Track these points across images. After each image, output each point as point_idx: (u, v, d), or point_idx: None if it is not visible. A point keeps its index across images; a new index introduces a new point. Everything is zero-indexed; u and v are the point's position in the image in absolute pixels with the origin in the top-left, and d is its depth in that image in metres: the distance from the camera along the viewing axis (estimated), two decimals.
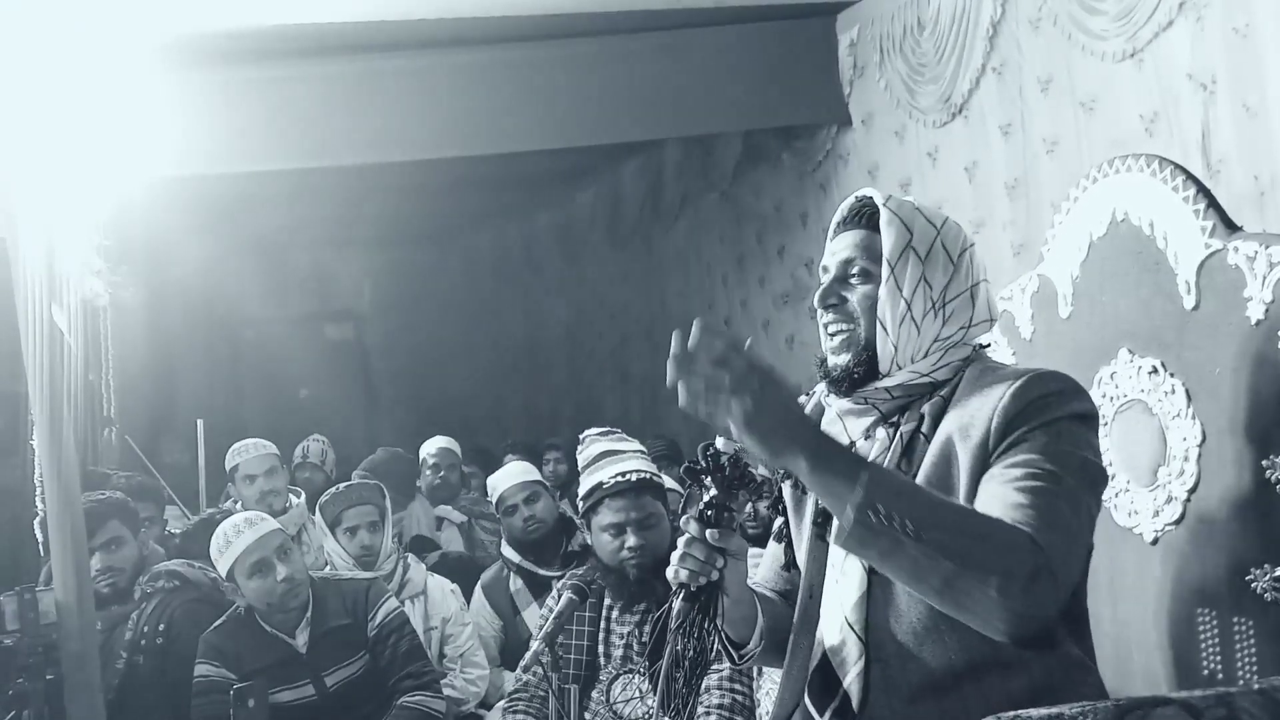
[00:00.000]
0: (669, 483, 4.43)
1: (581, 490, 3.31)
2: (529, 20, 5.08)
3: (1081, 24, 4.00)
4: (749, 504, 1.99)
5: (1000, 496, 1.77)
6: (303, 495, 5.06)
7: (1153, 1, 3.68)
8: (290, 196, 7.85)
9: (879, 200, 2.00)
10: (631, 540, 3.18)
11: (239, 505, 4.81)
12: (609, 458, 3.28)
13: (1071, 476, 1.78)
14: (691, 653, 1.93)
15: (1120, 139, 3.87)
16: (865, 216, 2.01)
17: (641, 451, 3.37)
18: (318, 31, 4.85)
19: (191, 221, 7.24)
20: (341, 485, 4.36)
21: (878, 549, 1.70)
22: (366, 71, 5.19)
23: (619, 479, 3.22)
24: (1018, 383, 1.85)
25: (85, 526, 3.51)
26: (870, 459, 1.94)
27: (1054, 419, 1.82)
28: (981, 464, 1.84)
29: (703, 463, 1.92)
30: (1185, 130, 3.63)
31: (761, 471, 1.97)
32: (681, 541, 1.92)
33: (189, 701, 3.56)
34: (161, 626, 3.77)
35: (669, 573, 1.91)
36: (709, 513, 1.91)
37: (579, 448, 3.40)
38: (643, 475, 3.24)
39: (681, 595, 1.92)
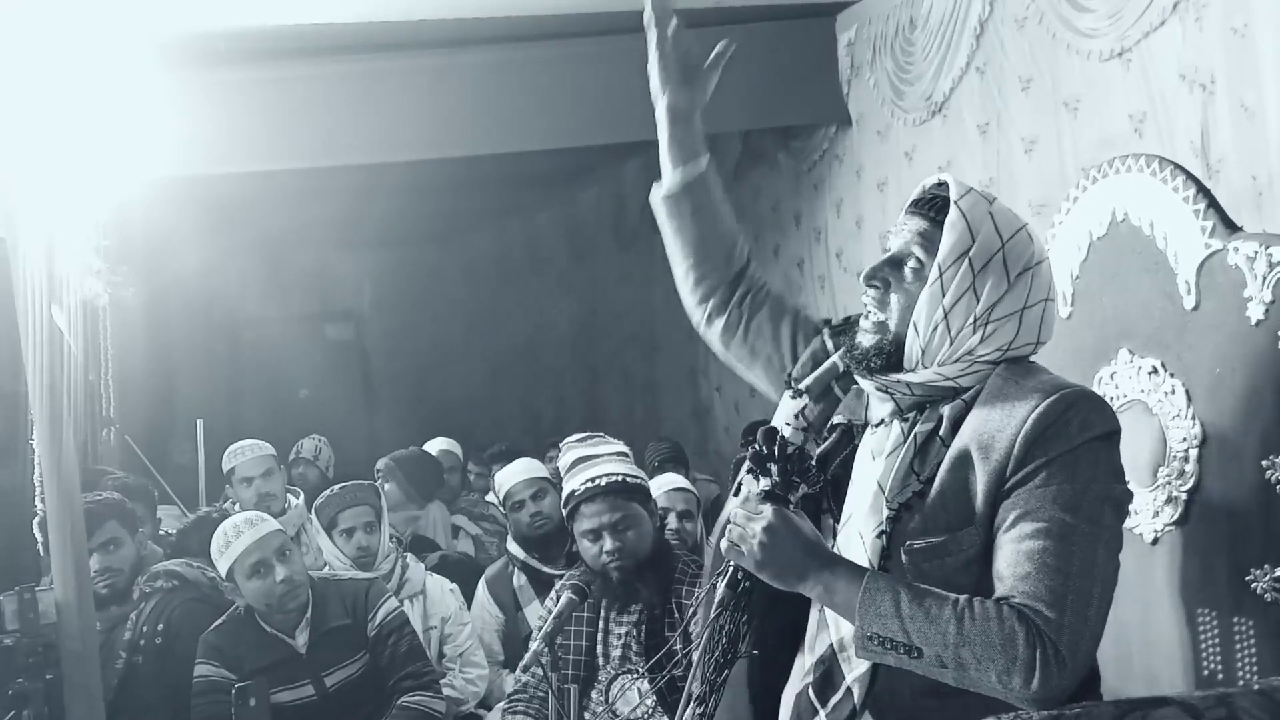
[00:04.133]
0: (678, 481, 4.42)
1: (562, 497, 3.34)
2: (529, 20, 5.08)
3: (1069, 22, 3.99)
4: (800, 497, 1.99)
5: (1011, 563, 1.79)
6: (301, 495, 5.05)
7: (1145, 0, 3.67)
8: (291, 197, 7.85)
9: (953, 195, 1.93)
10: (608, 544, 3.20)
11: (237, 506, 4.81)
12: (583, 463, 3.31)
13: (1086, 522, 1.78)
14: (725, 640, 1.93)
15: (1107, 139, 3.87)
16: (940, 205, 1.95)
17: (621, 453, 3.38)
18: (319, 32, 4.85)
19: (192, 222, 7.24)
20: (336, 487, 4.35)
21: (889, 662, 1.83)
22: (367, 72, 5.19)
23: (590, 484, 3.24)
24: (1041, 407, 1.82)
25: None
26: (886, 453, 1.95)
27: (1073, 447, 1.80)
28: (998, 488, 1.83)
29: (768, 450, 1.92)
30: (1176, 130, 3.63)
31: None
32: (734, 528, 1.90)
33: (189, 701, 3.56)
34: (161, 626, 3.77)
35: (722, 547, 1.91)
36: (767, 503, 1.90)
37: (558, 455, 3.41)
38: (614, 478, 3.25)
39: (726, 580, 1.93)
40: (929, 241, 1.93)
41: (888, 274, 1.96)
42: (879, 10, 5.18)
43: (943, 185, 1.96)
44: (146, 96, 4.75)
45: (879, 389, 1.97)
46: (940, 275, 1.90)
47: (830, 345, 2.15)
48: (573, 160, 7.56)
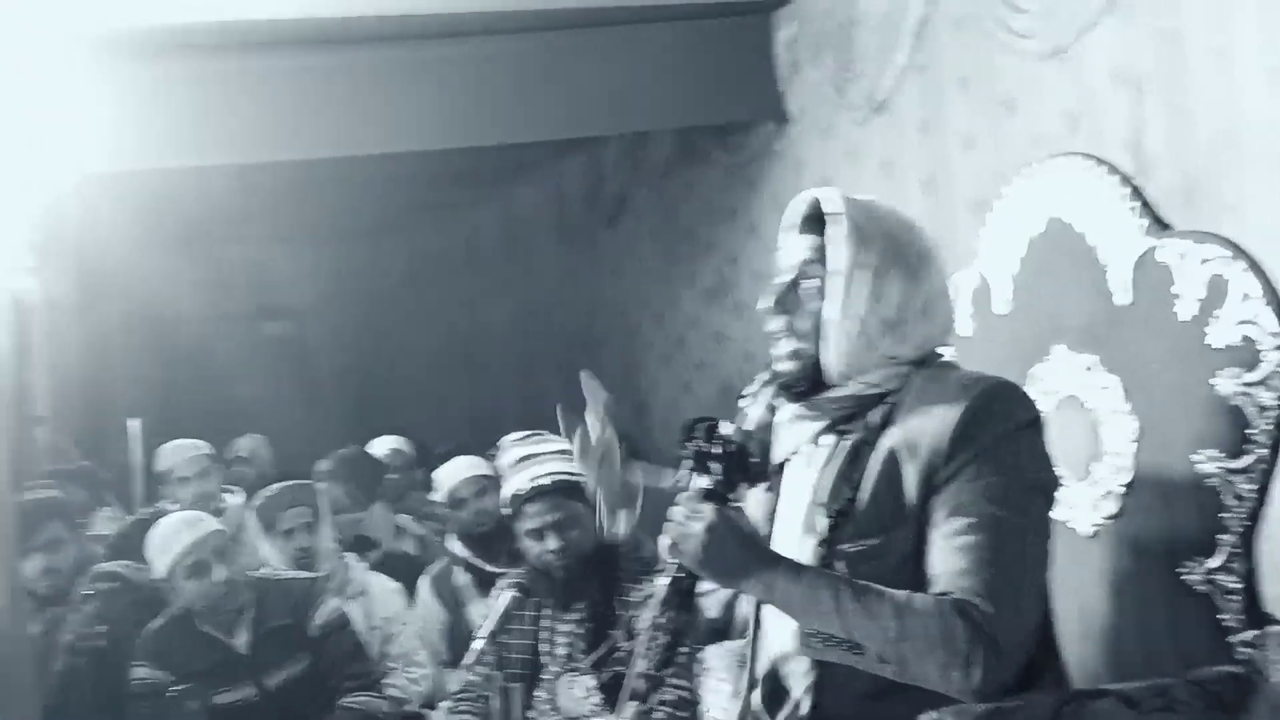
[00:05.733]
0: None
1: (503, 497, 3.33)
2: (468, 17, 5.05)
3: (1005, 22, 4.04)
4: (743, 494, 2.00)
5: (945, 559, 1.82)
6: (241, 495, 5.00)
7: (1078, 1, 3.72)
8: (228, 192, 7.75)
9: (837, 206, 1.95)
10: (552, 543, 3.20)
11: (176, 507, 4.75)
12: (525, 462, 3.30)
13: (1016, 514, 1.82)
14: (667, 638, 1.94)
15: (1042, 137, 3.92)
16: (822, 220, 1.97)
17: (564, 451, 3.37)
18: (256, 26, 4.79)
19: (126, 218, 7.12)
20: (275, 487, 4.30)
21: (831, 659, 1.84)
22: (305, 67, 5.13)
23: (533, 484, 3.24)
24: (962, 403, 1.86)
25: (22, 527, 3.47)
26: (820, 464, 1.98)
27: (996, 439, 1.84)
28: (928, 485, 1.86)
29: (712, 448, 1.93)
30: (1109, 129, 3.68)
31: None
32: (675, 526, 1.91)
33: (129, 704, 3.51)
34: (101, 628, 3.72)
35: (662, 547, 1.91)
36: (708, 501, 1.91)
37: (498, 454, 3.40)
38: (558, 477, 3.25)
39: (668, 579, 1.93)
40: (822, 257, 1.95)
41: (788, 299, 1.98)
42: (817, 7, 5.20)
43: (818, 200, 1.99)
44: (79, 90, 4.68)
45: (808, 410, 1.99)
46: (845, 285, 1.92)
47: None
48: (513, 156, 7.53)
